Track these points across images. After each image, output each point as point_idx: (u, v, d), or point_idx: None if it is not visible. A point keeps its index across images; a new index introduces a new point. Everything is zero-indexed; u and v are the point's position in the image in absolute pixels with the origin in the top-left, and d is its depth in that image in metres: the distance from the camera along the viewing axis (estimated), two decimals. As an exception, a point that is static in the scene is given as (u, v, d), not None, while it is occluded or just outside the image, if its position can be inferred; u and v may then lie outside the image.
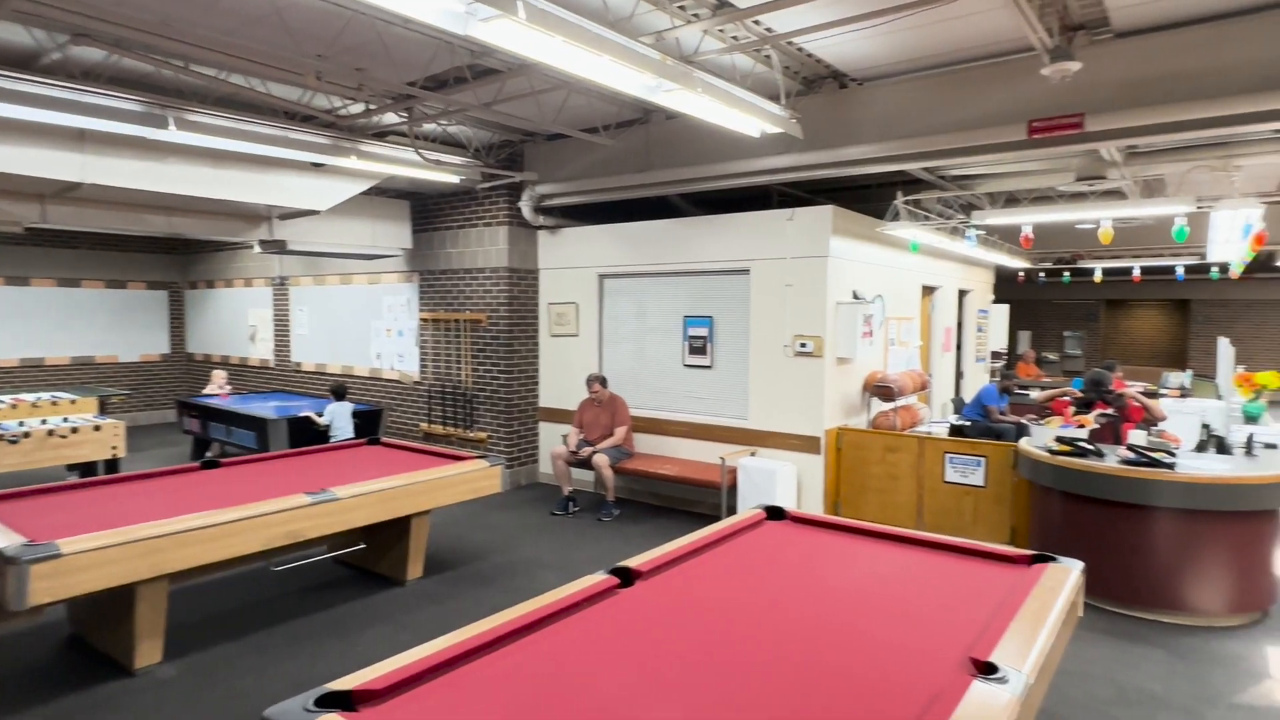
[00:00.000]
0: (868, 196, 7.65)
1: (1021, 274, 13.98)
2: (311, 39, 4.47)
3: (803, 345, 6.19)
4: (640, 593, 2.76)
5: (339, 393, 7.40)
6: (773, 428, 6.42)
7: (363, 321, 9.18)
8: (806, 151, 5.40)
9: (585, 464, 6.64)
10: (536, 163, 7.25)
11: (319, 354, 9.91)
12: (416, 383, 8.43)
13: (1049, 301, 19.02)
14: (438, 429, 8.17)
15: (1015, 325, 17.63)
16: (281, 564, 4.85)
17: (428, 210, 8.18)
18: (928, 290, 8.81)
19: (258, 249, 7.75)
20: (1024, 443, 5.35)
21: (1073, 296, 18.61)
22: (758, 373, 6.49)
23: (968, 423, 7.45)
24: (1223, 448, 5.09)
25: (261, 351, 10.95)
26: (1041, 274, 14.30)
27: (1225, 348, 6.55)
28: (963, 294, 10.35)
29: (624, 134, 6.29)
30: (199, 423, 8.31)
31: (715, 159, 5.88)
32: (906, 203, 6.85)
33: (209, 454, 7.16)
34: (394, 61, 4.72)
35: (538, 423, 7.96)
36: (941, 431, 7.28)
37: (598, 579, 2.77)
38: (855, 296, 6.49)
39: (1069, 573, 2.94)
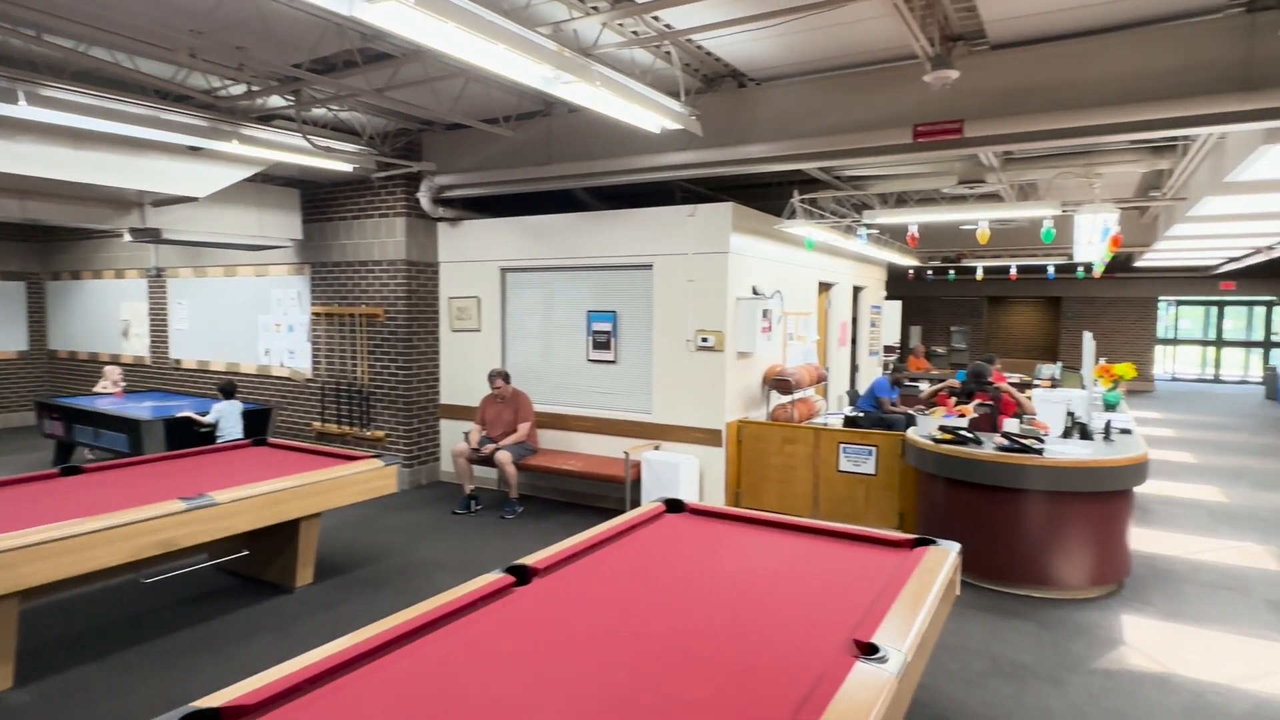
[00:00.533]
0: (767, 195, 7.84)
1: (911, 271, 14.70)
2: (183, 13, 4.17)
3: (704, 340, 6.29)
4: (536, 590, 2.72)
5: (228, 391, 6.97)
6: (676, 421, 6.49)
7: (249, 316, 8.68)
8: (707, 149, 5.47)
9: (488, 461, 6.52)
10: (435, 152, 7.05)
11: (201, 350, 9.31)
12: (309, 380, 8.05)
13: (937, 298, 20.10)
14: (332, 428, 7.83)
15: (907, 320, 18.55)
16: (153, 576, 4.53)
17: (320, 199, 7.82)
18: (824, 286, 9.12)
19: (128, 238, 7.19)
20: (911, 432, 5.62)
21: (958, 293, 19.74)
22: (661, 367, 6.54)
23: (861, 414, 7.77)
24: (1085, 434, 5.50)
25: (136, 348, 10.19)
26: (929, 271, 15.08)
27: (1089, 341, 7.09)
28: (857, 290, 10.79)
29: (525, 125, 6.20)
30: (62, 425, 7.66)
31: (617, 154, 5.87)
32: (803, 201, 7.06)
33: (86, 458, 6.61)
34: (277, 41, 4.47)
35: (439, 420, 7.76)
36: (837, 423, 7.56)
37: (492, 578, 2.72)
38: (755, 292, 6.64)
39: (947, 554, 3.10)
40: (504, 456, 6.40)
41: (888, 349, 12.84)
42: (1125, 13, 4.18)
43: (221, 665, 3.76)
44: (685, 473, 6.08)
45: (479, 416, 6.83)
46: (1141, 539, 5.94)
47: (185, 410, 7.00)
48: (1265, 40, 3.97)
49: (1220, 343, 20.29)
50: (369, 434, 7.56)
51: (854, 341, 10.86)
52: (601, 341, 6.87)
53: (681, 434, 6.45)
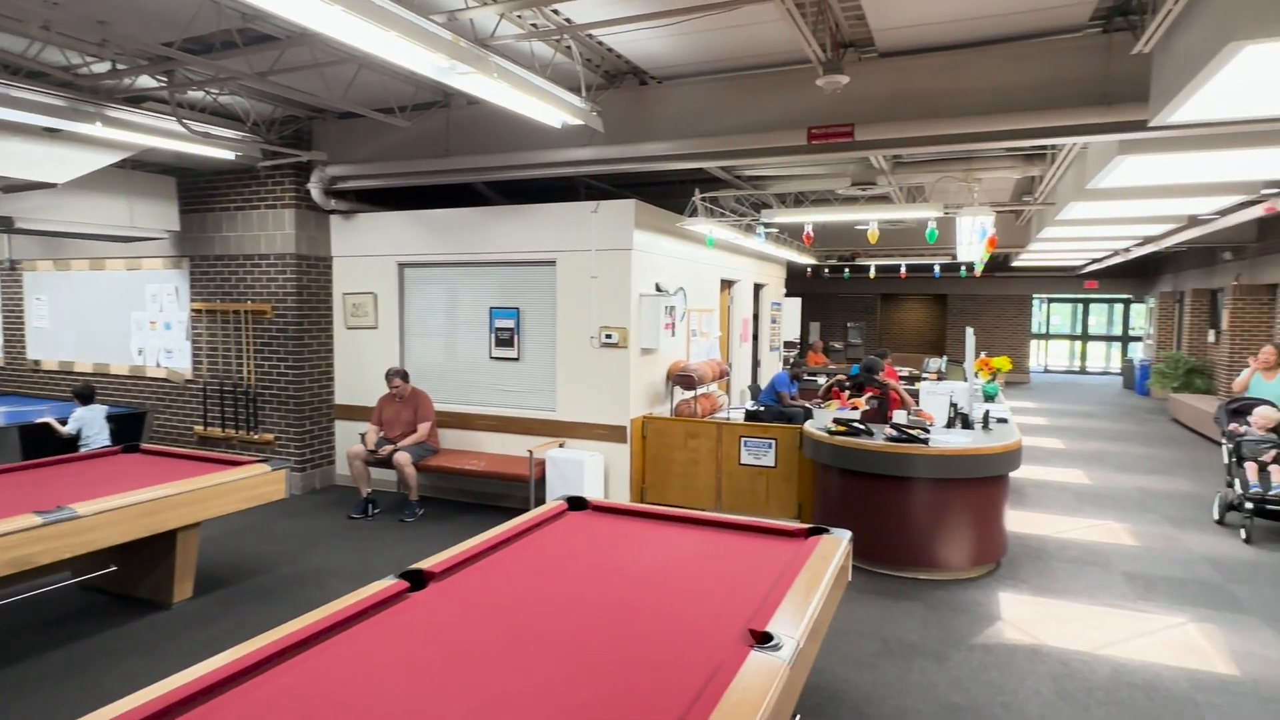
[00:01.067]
0: (671, 193, 7.92)
1: (809, 269, 15.18)
2: (34, -19, 3.81)
3: (608, 337, 6.29)
4: (432, 596, 2.64)
5: (85, 396, 6.41)
6: (580, 418, 6.46)
7: (120, 313, 8.06)
8: (609, 145, 5.47)
9: (386, 463, 6.30)
10: (327, 141, 6.74)
11: (63, 350, 8.58)
12: (189, 381, 7.55)
13: (835, 295, 20.90)
14: (215, 432, 7.38)
15: (807, 317, 19.21)
16: (7, 597, 4.13)
17: (200, 189, 7.34)
18: (727, 284, 9.31)
19: (-25, 226, 6.53)
20: (808, 425, 5.81)
21: (854, 291, 20.58)
22: (565, 364, 6.50)
23: (763, 408, 7.97)
24: (967, 423, 5.84)
25: (-13, 348, 9.28)
26: (826, 270, 15.64)
27: (970, 336, 7.53)
28: (759, 288, 11.06)
29: (423, 116, 6.01)
30: (-104, 435, 6.87)
31: (519, 148, 5.79)
32: (704, 200, 7.17)
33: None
34: (144, 17, 4.16)
35: (333, 421, 7.44)
36: (739, 417, 7.73)
37: (385, 585, 2.62)
38: (658, 289, 6.69)
39: (839, 542, 3.22)
40: (403, 458, 6.19)
41: (788, 344, 13.24)
42: (998, 28, 4.45)
43: (86, 691, 3.47)
44: (590, 470, 6.07)
45: (376, 417, 6.59)
46: (1016, 520, 6.36)
47: (45, 416, 6.42)
48: (1120, 59, 4.32)
49: (1086, 337, 22.01)
50: (257, 437, 7.17)
51: (755, 337, 11.14)
52: (504, 339, 6.76)
53: (586, 431, 6.43)
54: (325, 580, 4.89)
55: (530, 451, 6.20)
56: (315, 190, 6.80)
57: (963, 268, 14.30)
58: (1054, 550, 5.66)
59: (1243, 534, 5.68)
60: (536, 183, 7.44)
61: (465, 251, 6.84)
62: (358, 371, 7.30)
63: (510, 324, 6.73)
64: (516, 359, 6.76)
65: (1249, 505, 5.66)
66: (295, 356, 7.02)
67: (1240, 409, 6.24)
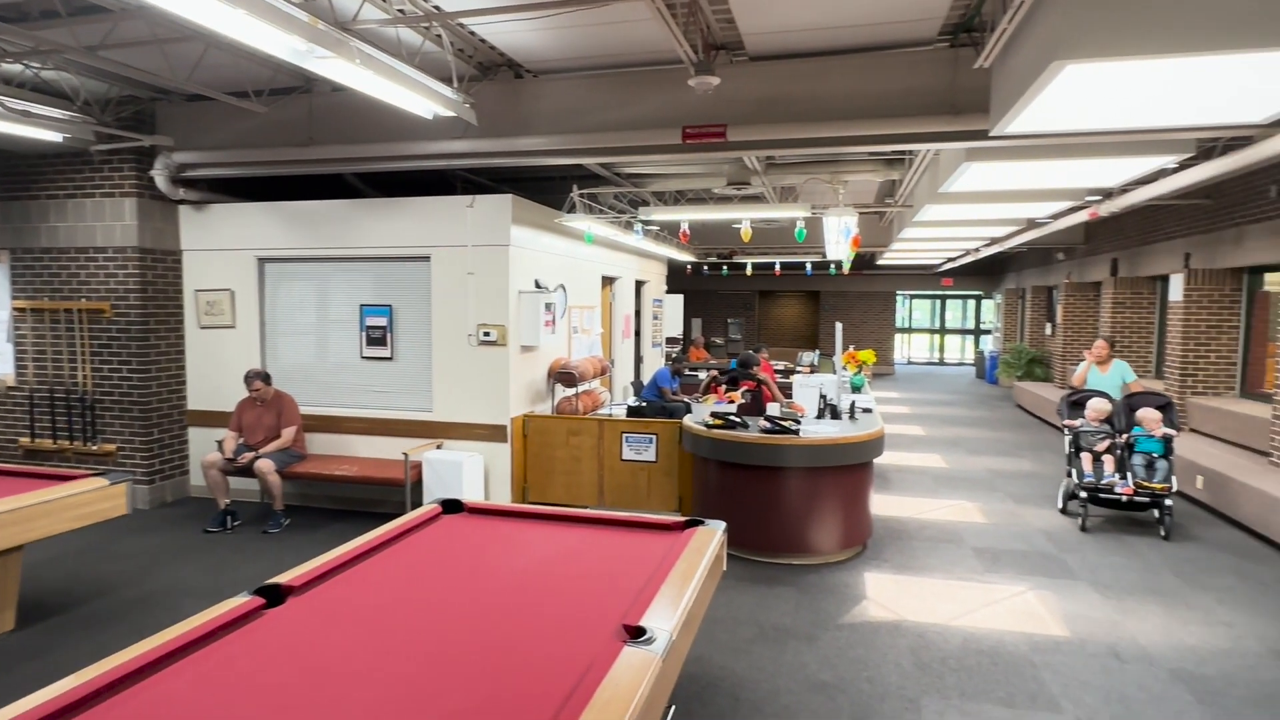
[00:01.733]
0: (551, 188, 7.85)
1: (689, 267, 15.50)
2: None
3: (486, 334, 6.16)
4: (291, 611, 2.49)
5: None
6: (459, 418, 6.30)
7: (-75, 312, 7.11)
8: (483, 138, 5.34)
9: (247, 471, 5.89)
10: (173, 125, 6.22)
11: None
12: (12, 388, 6.77)
13: (715, 292, 21.44)
14: (46, 444, 6.66)
15: (689, 313, 19.60)
16: None
17: (21, 173, 6.58)
18: (608, 280, 9.34)
19: None
20: (687, 420, 5.92)
21: (734, 288, 21.20)
22: (441, 363, 6.31)
23: (645, 404, 8.05)
24: (835, 414, 6.13)
25: None
26: (705, 267, 16.02)
27: (839, 331, 7.91)
28: (640, 284, 11.17)
29: (282, 102, 5.66)
30: None
31: (387, 138, 5.55)
32: (583, 196, 7.15)
33: None
34: (-57, -24, 3.67)
35: (187, 428, 6.89)
36: (622, 413, 7.77)
37: (237, 603, 2.44)
38: (538, 285, 6.62)
39: (714, 534, 3.29)
40: (265, 465, 5.82)
41: (670, 340, 13.47)
42: (859, 38, 4.68)
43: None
44: (469, 471, 5.92)
45: (234, 422, 6.15)
46: (881, 504, 6.75)
47: None
48: (965, 73, 4.64)
49: (943, 331, 23.69)
50: (95, 448, 6.53)
51: (638, 334, 11.24)
52: (376, 337, 6.48)
53: (465, 431, 6.28)
54: (176, 601, 4.52)
55: (405, 454, 5.98)
56: (160, 178, 6.25)
57: (832, 266, 15.02)
58: (914, 530, 6.05)
59: (1081, 522, 6.05)
60: (410, 175, 7.18)
61: (333, 246, 6.50)
62: (214, 374, 6.79)
63: (382, 322, 6.46)
64: (390, 358, 6.50)
65: (1082, 494, 6.02)
66: (140, 359, 6.44)
67: (1078, 401, 6.70)
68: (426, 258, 6.31)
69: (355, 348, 6.57)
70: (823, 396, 6.24)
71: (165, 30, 4.27)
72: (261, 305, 6.76)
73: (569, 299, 7.42)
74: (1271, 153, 4.83)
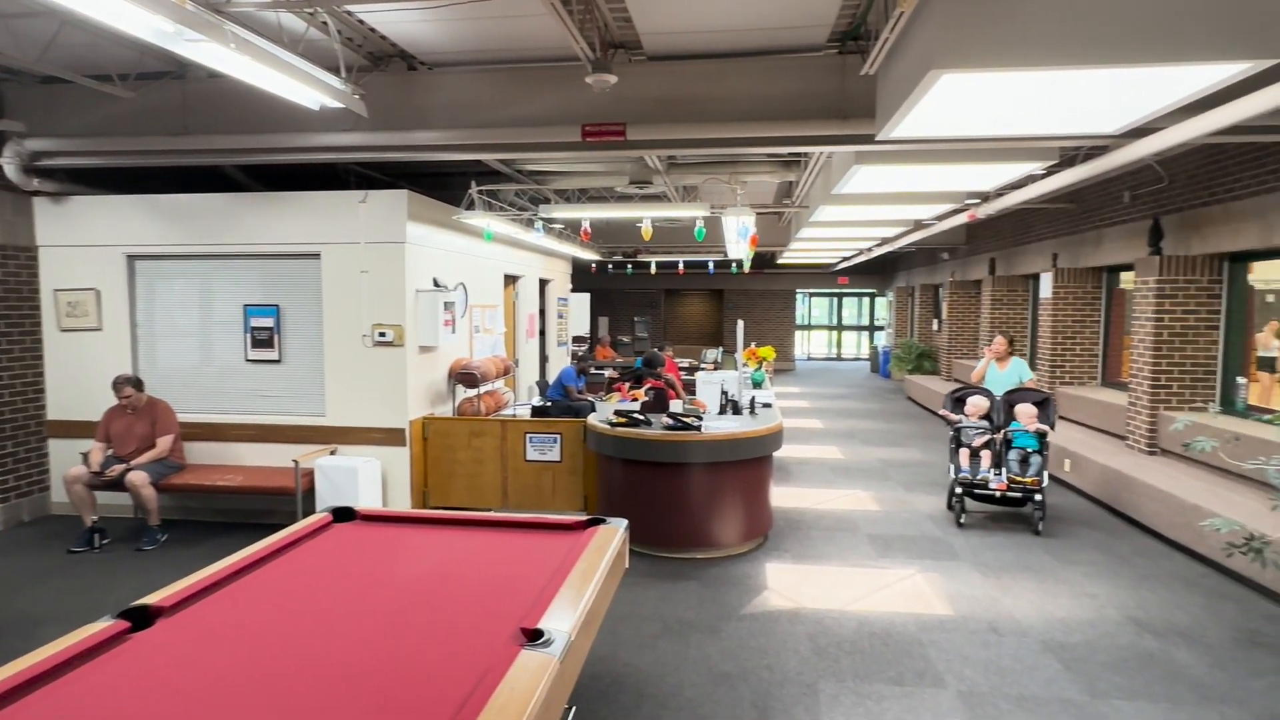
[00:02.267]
0: (450, 184, 7.66)
1: (594, 265, 15.48)
2: None
3: (382, 335, 5.94)
4: (160, 635, 2.32)
5: None
6: (353, 423, 6.05)
7: None
8: (375, 132, 5.15)
9: (117, 485, 5.46)
10: (25, 109, 5.68)
11: None
12: None
13: (621, 291, 21.53)
14: (-124, 461, 5.96)
15: (596, 312, 19.59)
16: None
17: None
18: (511, 279, 9.20)
19: None
20: (591, 418, 5.91)
21: (639, 286, 21.34)
22: (334, 365, 6.05)
23: (550, 403, 7.99)
24: (736, 410, 6.26)
25: None
26: (610, 265, 16.06)
27: (740, 328, 8.09)
28: (544, 283, 11.07)
29: (152, 87, 5.27)
30: None
31: (271, 129, 5.26)
32: (482, 193, 7.01)
33: None
34: None
35: (46, 440, 6.32)
36: (526, 413, 7.68)
37: (99, 628, 2.25)
38: (436, 284, 6.44)
39: (615, 532, 3.29)
40: (138, 478, 5.41)
41: (577, 339, 13.41)
42: (754, 42, 4.78)
43: None
44: (366, 477, 5.70)
45: (102, 432, 5.69)
46: (781, 496, 6.95)
47: None
48: (853, 79, 4.83)
49: (840, 327, 24.65)
50: (-63, 465, 5.90)
51: (543, 333, 11.14)
52: (263, 339, 6.14)
53: (360, 435, 6.04)
54: (33, 629, 4.13)
55: (296, 461, 5.70)
56: (10, 167, 5.70)
57: (733, 264, 15.36)
58: (812, 520, 6.26)
59: (962, 519, 6.16)
60: (297, 169, 6.84)
61: (213, 242, 6.11)
62: (77, 381, 6.26)
63: (269, 323, 6.13)
64: (278, 360, 6.17)
65: (958, 490, 6.18)
66: (-10, 365, 5.87)
67: (961, 398, 6.99)
68: (316, 255, 6.03)
69: (239, 350, 6.21)
70: (724, 393, 6.36)
71: (10, 5, 3.89)
72: (132, 306, 6.28)
73: (470, 298, 7.26)
74: (1123, 161, 5.27)
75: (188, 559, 5.24)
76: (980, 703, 3.44)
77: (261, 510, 6.17)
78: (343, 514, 3.54)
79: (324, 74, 4.18)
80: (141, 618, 2.37)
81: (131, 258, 6.24)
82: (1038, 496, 5.89)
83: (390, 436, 6.02)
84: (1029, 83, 3.29)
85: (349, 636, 2.31)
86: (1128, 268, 8.32)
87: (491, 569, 2.93)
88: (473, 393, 7.09)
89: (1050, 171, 6.43)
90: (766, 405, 6.67)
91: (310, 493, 5.72)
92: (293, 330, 6.15)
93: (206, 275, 6.23)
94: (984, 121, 3.99)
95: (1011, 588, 4.81)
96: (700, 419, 5.56)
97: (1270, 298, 6.44)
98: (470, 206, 6.97)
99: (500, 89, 5.11)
